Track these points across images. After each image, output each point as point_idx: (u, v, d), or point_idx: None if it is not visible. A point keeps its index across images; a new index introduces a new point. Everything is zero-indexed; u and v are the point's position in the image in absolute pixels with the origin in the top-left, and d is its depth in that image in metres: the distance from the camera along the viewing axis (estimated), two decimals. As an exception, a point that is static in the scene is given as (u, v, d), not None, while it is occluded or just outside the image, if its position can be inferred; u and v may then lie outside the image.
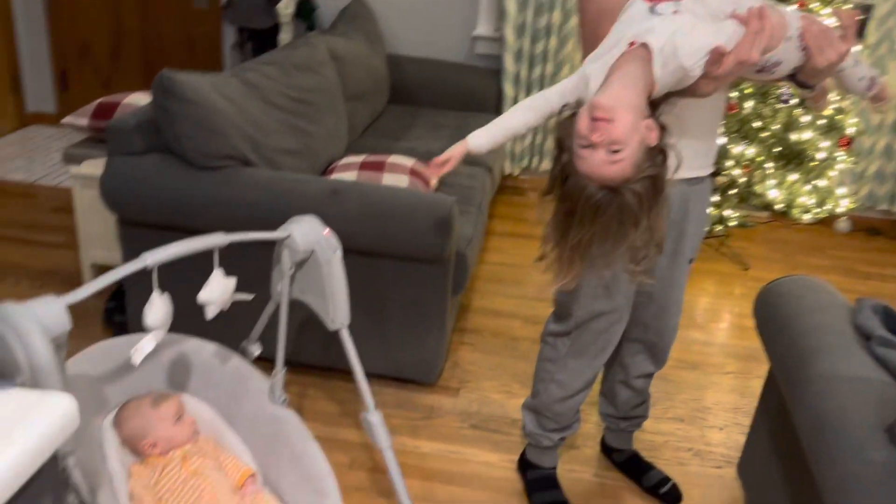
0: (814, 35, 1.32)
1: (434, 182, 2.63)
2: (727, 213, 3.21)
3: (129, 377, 1.61)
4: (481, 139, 1.69)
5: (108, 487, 1.38)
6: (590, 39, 1.48)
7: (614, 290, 1.63)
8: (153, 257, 1.26)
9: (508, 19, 3.62)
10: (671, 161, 1.30)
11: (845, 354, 1.35)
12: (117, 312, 2.49)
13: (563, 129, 1.38)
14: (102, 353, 1.58)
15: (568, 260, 1.39)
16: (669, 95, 1.33)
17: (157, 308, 1.28)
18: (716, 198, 3.21)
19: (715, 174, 3.18)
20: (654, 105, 1.31)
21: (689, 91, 1.32)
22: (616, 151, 1.24)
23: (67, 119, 2.74)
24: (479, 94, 3.73)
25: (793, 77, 1.41)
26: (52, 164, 3.87)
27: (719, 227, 3.25)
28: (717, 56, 1.23)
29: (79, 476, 1.09)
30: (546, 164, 3.98)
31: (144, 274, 1.25)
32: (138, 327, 1.32)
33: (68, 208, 3.36)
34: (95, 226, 2.61)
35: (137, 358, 1.28)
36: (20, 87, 4.33)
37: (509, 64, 3.69)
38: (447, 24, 3.90)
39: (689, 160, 1.52)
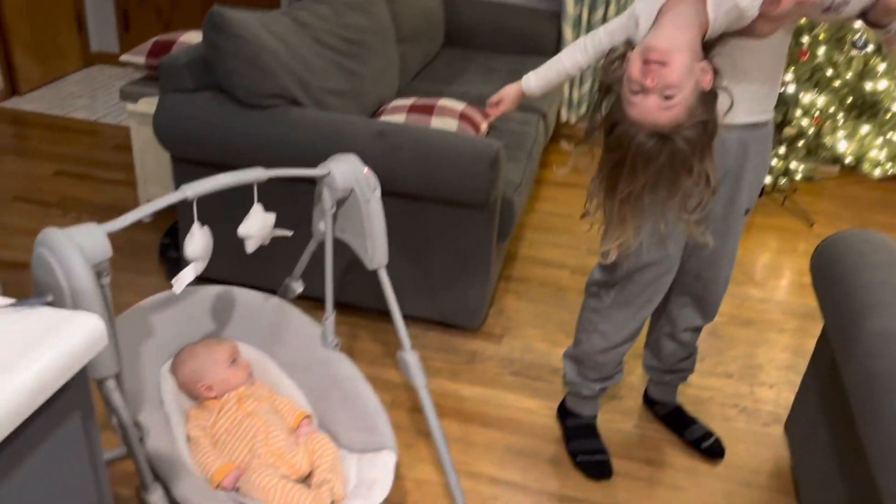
0: None
1: (484, 127, 2.58)
2: (793, 165, 3.06)
3: (185, 326, 1.66)
4: (533, 80, 1.69)
5: (166, 430, 1.42)
6: None
7: (665, 240, 1.57)
8: (193, 189, 1.27)
9: (570, -41, 3.48)
10: (723, 103, 1.24)
11: (903, 311, 1.28)
12: (172, 248, 2.55)
13: (609, 74, 1.32)
14: (161, 304, 1.63)
15: (619, 215, 1.35)
16: (725, 37, 1.25)
17: (198, 239, 1.30)
18: (782, 149, 3.07)
19: (781, 124, 3.04)
20: (708, 47, 1.25)
21: (745, 32, 1.25)
22: (670, 97, 1.20)
23: (125, 57, 2.79)
24: (536, 38, 3.62)
25: (864, 17, 1.31)
26: (114, 102, 3.96)
27: (784, 181, 3.11)
28: None
29: (118, 399, 1.12)
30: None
31: (193, 209, 1.27)
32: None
33: (128, 146, 3.45)
34: (152, 163, 2.67)
35: (178, 287, 1.31)
36: (84, 26, 4.41)
37: (570, 5, 3.56)
38: (507, -35, 3.78)
39: (747, 105, 1.45)
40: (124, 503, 1.67)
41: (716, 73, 1.25)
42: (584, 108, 3.83)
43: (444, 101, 2.54)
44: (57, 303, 1.01)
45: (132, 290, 2.39)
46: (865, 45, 2.79)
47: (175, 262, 2.49)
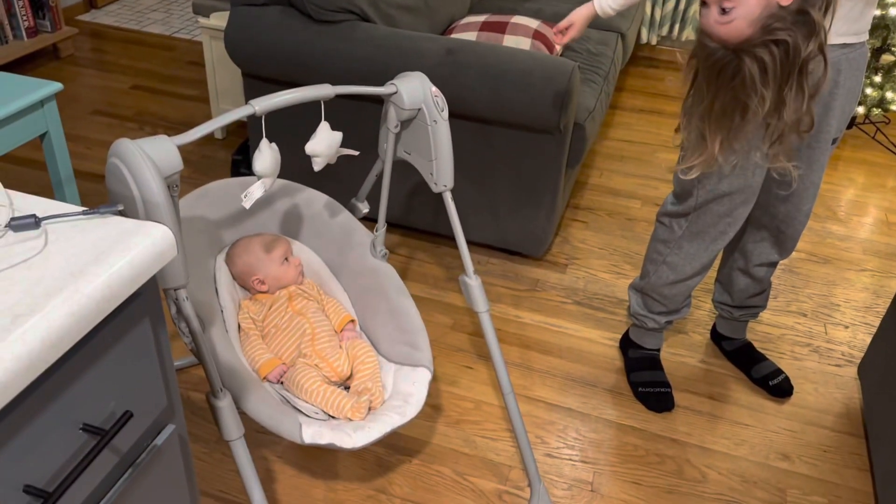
0: None
1: (559, 48, 2.48)
2: (889, 96, 2.85)
3: (244, 218, 1.69)
4: (608, 0, 1.58)
5: (219, 319, 1.48)
6: None
7: (745, 169, 1.50)
8: (261, 104, 1.26)
9: None
10: (818, 30, 1.14)
11: None
12: (243, 165, 2.59)
13: None
14: (219, 192, 1.65)
15: (698, 131, 1.30)
16: None
17: (266, 156, 1.30)
18: (878, 77, 2.85)
19: (879, 50, 2.81)
20: None
21: None
22: (727, 10, 1.15)
23: (198, -30, 2.77)
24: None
25: None
26: (189, 17, 3.97)
27: (878, 112, 2.91)
28: None
29: (189, 308, 1.16)
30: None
31: (261, 125, 1.27)
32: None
33: (201, 62, 3.48)
34: (224, 79, 2.68)
35: (248, 202, 1.32)
36: (160, -60, 4.39)
37: (656, -82, 3.34)
38: None
39: (839, 23, 1.34)
40: (194, 405, 1.76)
41: None
42: (666, 29, 3.64)
43: (518, 19, 2.44)
44: (128, 213, 1.03)
45: (204, 205, 2.45)
46: None
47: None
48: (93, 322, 0.69)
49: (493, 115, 1.99)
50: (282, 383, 1.52)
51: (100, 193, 2.49)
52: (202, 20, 2.57)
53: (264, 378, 1.50)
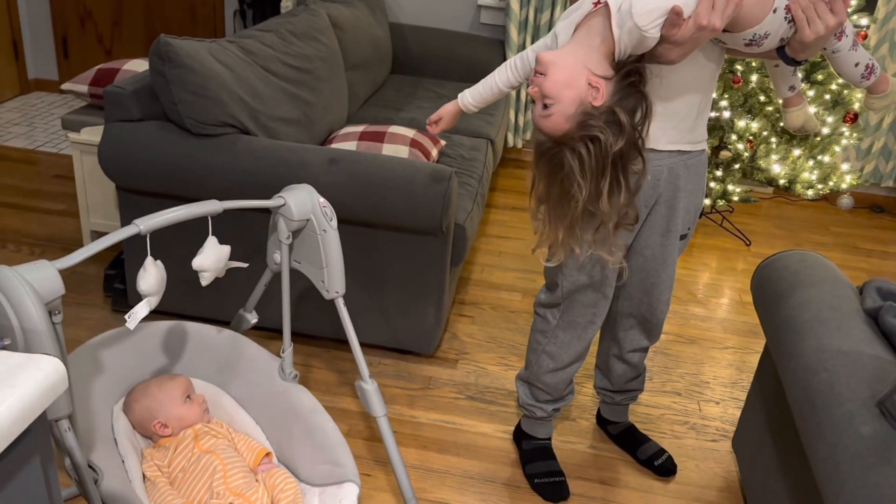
0: (802, 6, 1.27)
1: (435, 154, 2.61)
2: (730, 187, 3.19)
3: (139, 364, 1.62)
4: (469, 97, 1.73)
5: (122, 471, 1.39)
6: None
7: (597, 263, 1.62)
8: (146, 223, 1.25)
9: (513, -11, 3.57)
10: (626, 129, 1.25)
11: (839, 328, 1.35)
12: (117, 280, 2.50)
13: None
14: (112, 341, 1.59)
15: (541, 216, 1.38)
16: (641, 60, 1.29)
17: (151, 274, 1.28)
18: (719, 172, 3.19)
19: (717, 148, 3.16)
20: (622, 68, 1.27)
21: (654, 57, 1.29)
22: (547, 105, 1.26)
23: (67, 85, 2.73)
24: (482, 65, 3.69)
25: (781, 52, 1.38)
26: (54, 130, 3.86)
27: (722, 202, 3.23)
28: (674, 19, 1.20)
29: (72, 439, 1.10)
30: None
31: (144, 243, 1.25)
32: (138, 295, 1.33)
33: (70, 175, 3.37)
34: (96, 193, 2.61)
35: (132, 323, 1.28)
36: (21, 53, 4.30)
37: (513, 34, 3.65)
38: (451, -6, 3.85)
39: (674, 133, 1.50)
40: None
41: (637, 96, 1.27)
42: (529, 134, 3.91)
43: (395, 129, 2.56)
44: (10, 344, 0.98)
45: (77, 324, 2.33)
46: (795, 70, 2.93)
47: (121, 294, 2.43)
48: (-19, 466, 0.65)
49: (377, 219, 2.05)
50: None
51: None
52: (72, 135, 2.51)
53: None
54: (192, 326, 1.70)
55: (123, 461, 1.43)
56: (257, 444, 1.57)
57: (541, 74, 1.26)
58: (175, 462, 1.49)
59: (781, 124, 3.03)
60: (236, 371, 1.67)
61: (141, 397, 1.54)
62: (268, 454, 1.56)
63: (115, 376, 1.57)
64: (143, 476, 1.47)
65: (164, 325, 1.68)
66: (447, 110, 1.77)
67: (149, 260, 1.28)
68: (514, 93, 3.79)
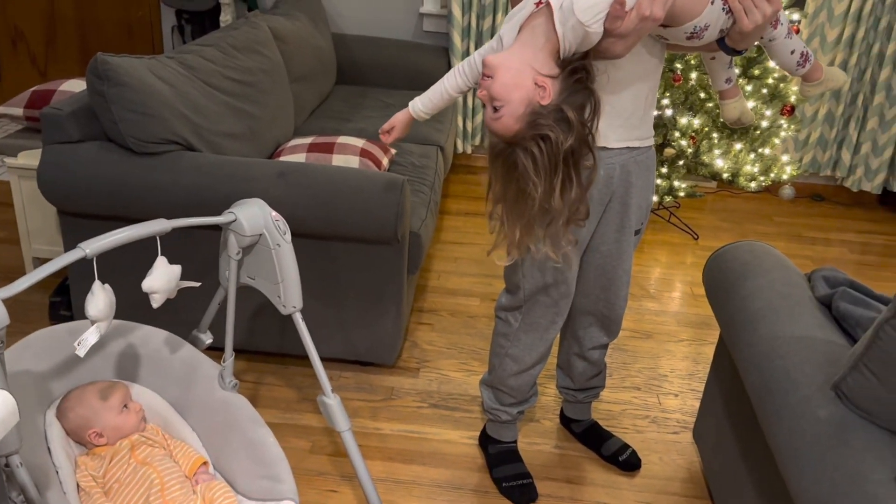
0: None
1: (386, 162, 2.60)
2: (676, 183, 3.25)
3: (74, 367, 1.57)
4: (419, 105, 1.73)
5: (55, 481, 1.34)
6: (516, 1, 1.47)
7: (557, 262, 1.62)
8: (92, 247, 1.21)
9: (455, -4, 3.59)
10: (574, 126, 1.26)
11: (790, 316, 1.38)
12: (63, 307, 2.41)
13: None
14: (44, 342, 1.53)
15: (500, 219, 1.39)
16: (587, 57, 1.31)
17: (100, 298, 1.24)
18: (664, 169, 3.25)
19: (662, 146, 3.22)
20: (568, 65, 1.28)
21: (599, 53, 1.30)
22: (497, 108, 1.27)
23: (1, 109, 2.64)
24: (428, 72, 3.69)
25: (721, 42, 1.41)
26: (-12, 156, 3.72)
27: (669, 198, 3.30)
28: (617, 10, 1.22)
29: (24, 474, 1.05)
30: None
31: (90, 267, 1.21)
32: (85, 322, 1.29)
33: (8, 202, 3.25)
34: (36, 218, 2.52)
35: (82, 350, 1.24)
36: (-51, 77, 4.14)
37: (457, 40, 3.67)
38: (393, 2, 3.85)
39: (619, 130, 1.53)
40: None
41: (584, 93, 1.28)
42: (479, 139, 3.93)
43: (344, 139, 2.54)
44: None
45: (21, 355, 2.24)
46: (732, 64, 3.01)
47: (68, 321, 2.35)
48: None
49: (330, 231, 2.03)
50: None
51: None
52: (9, 160, 2.43)
53: (112, 539, 1.36)
54: (133, 329, 1.64)
55: (58, 472, 1.38)
56: (194, 452, 1.54)
57: (488, 78, 1.26)
58: (110, 473, 1.45)
59: (722, 119, 3.11)
60: (176, 377, 1.62)
61: (76, 405, 1.49)
62: (204, 463, 1.53)
63: (49, 380, 1.51)
64: (77, 486, 1.42)
65: (112, 326, 1.61)
66: (399, 119, 1.77)
67: (96, 284, 1.24)
68: (461, 99, 3.81)
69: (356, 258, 2.10)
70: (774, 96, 3.15)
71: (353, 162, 2.44)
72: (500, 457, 1.94)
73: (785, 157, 3.38)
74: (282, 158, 2.48)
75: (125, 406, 1.53)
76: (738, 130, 3.17)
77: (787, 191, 3.93)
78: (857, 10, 3.51)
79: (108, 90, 1.95)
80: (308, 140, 2.54)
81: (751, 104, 3.12)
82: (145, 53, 4.06)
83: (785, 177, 3.29)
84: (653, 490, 1.92)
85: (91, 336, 1.23)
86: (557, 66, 1.27)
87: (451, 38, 3.68)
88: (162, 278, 1.35)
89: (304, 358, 1.57)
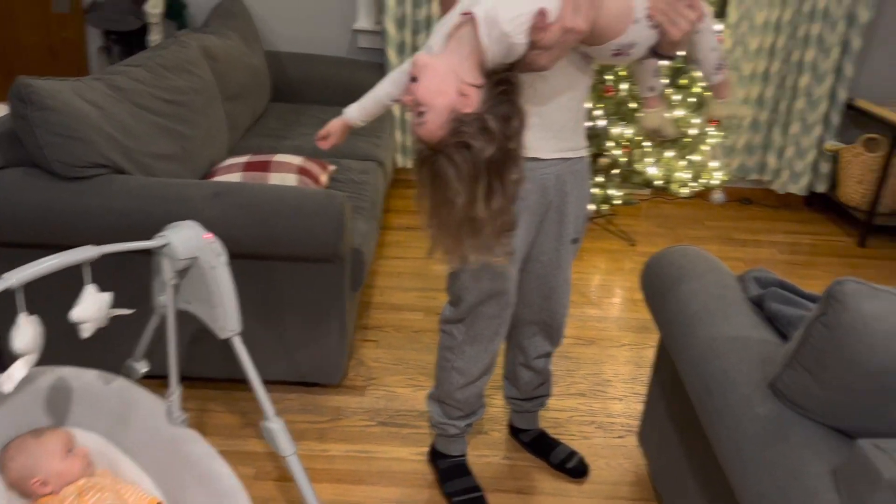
0: (661, 11, 1.35)
1: (325, 179, 2.58)
2: (611, 192, 3.32)
3: (14, 417, 1.49)
4: (354, 111, 1.74)
5: None
6: (445, 12, 1.48)
7: (497, 272, 1.64)
8: (18, 276, 1.16)
9: (388, 12, 3.60)
10: (495, 136, 1.27)
11: (726, 317, 1.42)
12: (-13, 341, 2.30)
13: None
14: None
15: (429, 224, 1.38)
16: (513, 69, 1.32)
17: (26, 331, 1.19)
18: (599, 178, 3.32)
19: (596, 155, 3.29)
20: (493, 76, 1.28)
21: (525, 65, 1.31)
22: (421, 113, 1.27)
23: (-87, 135, 2.50)
24: (363, 88, 3.60)
25: (654, 52, 1.46)
26: None
27: (605, 207, 3.36)
28: (539, 20, 1.23)
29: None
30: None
31: (15, 298, 1.16)
32: (11, 356, 1.22)
33: (-77, 233, 3.09)
34: (-45, 249, 2.40)
35: (9, 386, 1.18)
36: None
37: (392, 57, 3.67)
38: (326, 19, 3.83)
39: (551, 141, 1.55)
40: None
41: (510, 105, 1.28)
42: (416, 153, 3.93)
43: (281, 157, 2.51)
44: None
45: (-57, 394, 2.12)
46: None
47: (-7, 356, 2.25)
48: None
49: (269, 251, 1.99)
50: None
51: None
52: (-77, 188, 2.30)
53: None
54: (73, 374, 1.58)
55: None
56: (145, 494, 1.48)
57: (414, 80, 1.26)
58: None
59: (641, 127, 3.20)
60: (122, 418, 1.56)
61: (16, 454, 1.42)
62: (159, 503, 1.47)
63: None
64: None
65: (42, 372, 1.55)
66: (335, 126, 1.77)
67: (22, 315, 1.19)
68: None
69: (297, 277, 2.07)
70: (701, 105, 3.25)
71: (290, 180, 2.41)
72: (450, 471, 1.93)
73: (714, 164, 3.49)
74: (216, 178, 2.43)
75: (69, 451, 1.46)
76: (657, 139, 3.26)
77: (718, 196, 4.06)
78: (776, 19, 3.66)
79: (31, 114, 1.88)
80: (243, 159, 2.50)
81: (680, 113, 3.22)
82: (70, 76, 3.93)
83: (715, 182, 3.39)
84: (601, 495, 1.94)
85: (18, 371, 1.18)
86: (482, 77, 1.28)
87: (385, 55, 3.68)
88: (91, 307, 1.30)
89: (246, 383, 1.54)
